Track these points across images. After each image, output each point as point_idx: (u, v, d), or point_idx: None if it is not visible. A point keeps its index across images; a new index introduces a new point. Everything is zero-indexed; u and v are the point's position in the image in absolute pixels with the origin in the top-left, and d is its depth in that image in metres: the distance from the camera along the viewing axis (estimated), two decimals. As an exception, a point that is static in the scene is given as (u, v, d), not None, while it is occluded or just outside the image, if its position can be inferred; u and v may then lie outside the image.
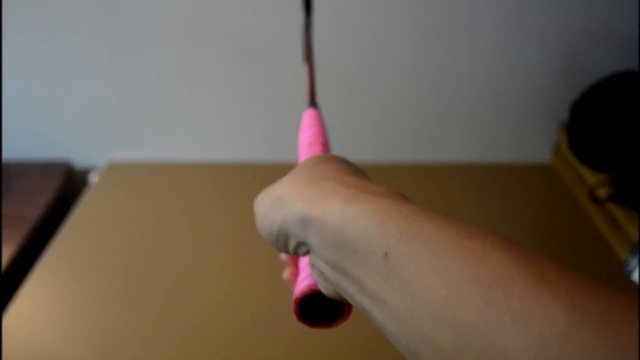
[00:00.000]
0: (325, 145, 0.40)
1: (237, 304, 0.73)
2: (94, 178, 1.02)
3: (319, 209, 0.24)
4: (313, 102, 0.46)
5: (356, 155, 1.05)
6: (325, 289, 0.26)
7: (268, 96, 1.00)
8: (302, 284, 0.30)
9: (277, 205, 0.27)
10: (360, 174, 0.28)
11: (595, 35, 0.90)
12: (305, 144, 0.40)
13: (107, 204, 0.95)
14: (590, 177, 0.88)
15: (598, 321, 0.15)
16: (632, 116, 0.80)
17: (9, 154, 1.07)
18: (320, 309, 0.30)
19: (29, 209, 0.94)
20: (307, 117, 0.43)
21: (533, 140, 1.02)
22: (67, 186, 1.04)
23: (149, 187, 0.99)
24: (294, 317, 0.30)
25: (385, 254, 0.20)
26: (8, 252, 0.84)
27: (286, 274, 0.34)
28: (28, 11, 0.91)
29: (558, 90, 0.96)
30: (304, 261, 0.31)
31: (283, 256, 0.35)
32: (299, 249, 0.26)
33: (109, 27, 0.93)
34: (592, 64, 0.92)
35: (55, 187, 1.00)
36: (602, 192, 0.84)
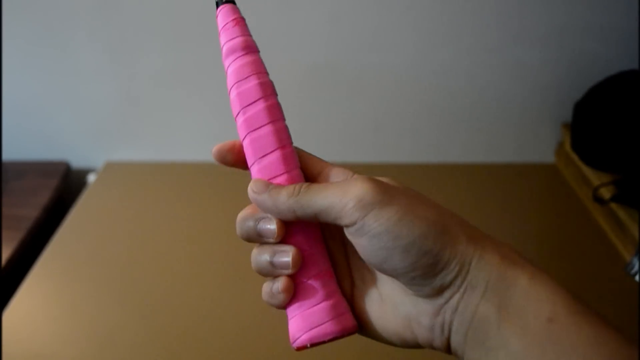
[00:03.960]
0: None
1: (235, 305, 0.72)
2: (92, 178, 1.02)
3: (515, 271, 0.25)
4: None
5: (356, 155, 1.04)
6: (420, 335, 0.28)
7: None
8: (338, 325, 0.30)
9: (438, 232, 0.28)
10: None
11: (598, 35, 0.89)
12: (257, 72, 0.31)
13: (105, 204, 0.94)
14: (594, 177, 0.87)
15: None
16: (636, 116, 0.79)
17: (7, 155, 1.07)
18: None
19: (27, 210, 0.93)
20: (233, 23, 0.31)
21: (536, 140, 1.01)
22: (66, 187, 1.04)
23: (147, 188, 0.99)
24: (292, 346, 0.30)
25: (550, 318, 0.23)
26: (6, 253, 0.83)
27: (281, 285, 0.29)
28: (27, 13, 0.91)
29: (561, 90, 0.95)
30: (328, 287, 0.30)
31: (272, 227, 0.29)
32: (446, 283, 0.26)
33: (107, 28, 0.92)
34: (595, 64, 0.91)
35: (54, 187, 0.99)
36: (606, 192, 0.83)
